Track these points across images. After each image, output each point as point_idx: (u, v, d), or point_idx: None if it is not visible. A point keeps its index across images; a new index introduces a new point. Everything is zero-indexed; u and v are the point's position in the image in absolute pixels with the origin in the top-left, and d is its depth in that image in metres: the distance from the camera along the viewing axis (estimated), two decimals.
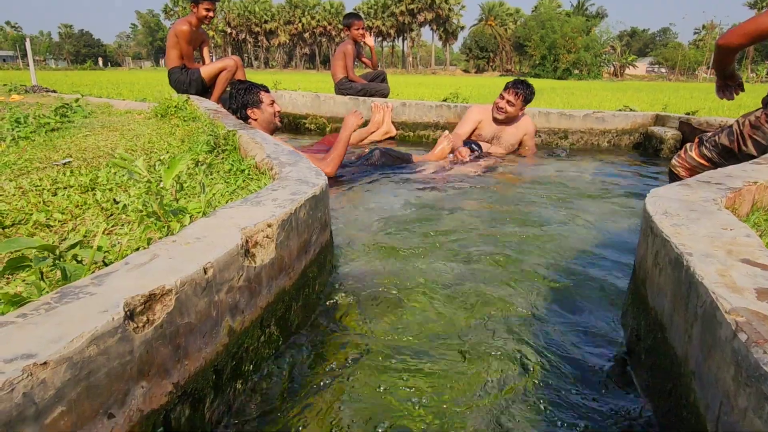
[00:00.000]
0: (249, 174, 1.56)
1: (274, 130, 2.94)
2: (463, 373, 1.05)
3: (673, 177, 2.38)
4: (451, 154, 3.36)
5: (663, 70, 60.84)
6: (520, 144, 3.79)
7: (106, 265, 0.80)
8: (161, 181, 1.15)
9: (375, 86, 5.03)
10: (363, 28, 4.94)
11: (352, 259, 1.66)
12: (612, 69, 48.96)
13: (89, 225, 1.04)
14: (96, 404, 0.59)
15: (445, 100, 5.13)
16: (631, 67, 51.66)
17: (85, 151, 1.85)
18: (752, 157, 1.96)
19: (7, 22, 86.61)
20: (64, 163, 1.64)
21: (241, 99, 2.84)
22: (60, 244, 0.91)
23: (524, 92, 3.58)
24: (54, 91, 5.42)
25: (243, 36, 68.74)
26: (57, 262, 0.73)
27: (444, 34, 61.95)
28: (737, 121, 2.11)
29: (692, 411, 0.72)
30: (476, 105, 3.91)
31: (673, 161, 2.42)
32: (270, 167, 1.53)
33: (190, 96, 3.69)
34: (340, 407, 0.94)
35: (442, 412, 0.94)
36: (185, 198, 1.23)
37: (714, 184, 1.26)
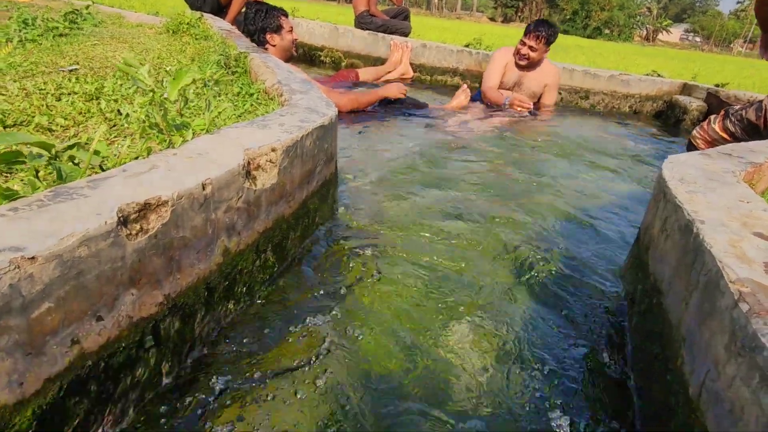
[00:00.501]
0: (258, 98, 1.51)
1: (288, 59, 2.83)
2: (449, 325, 1.06)
3: (691, 148, 2.32)
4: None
5: (698, 39, 58.19)
6: (542, 95, 3.57)
7: (103, 170, 0.78)
8: (166, 93, 1.12)
9: (396, 23, 4.82)
10: None
11: (356, 195, 1.64)
12: (644, 33, 46.75)
13: (91, 133, 1.01)
14: (84, 305, 0.59)
15: (467, 46, 4.92)
16: (664, 32, 49.27)
17: (92, 60, 1.79)
18: None
19: None
20: (71, 70, 1.59)
21: (261, 22, 2.71)
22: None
23: (546, 33, 3.29)
24: None
25: None
26: (53, 161, 0.71)
27: None
28: None
29: (677, 375, 0.73)
30: (499, 49, 3.64)
31: (694, 132, 2.36)
32: (280, 93, 1.48)
33: (204, 14, 3.54)
34: (332, 341, 0.96)
35: (432, 354, 0.95)
36: (190, 115, 1.19)
37: (735, 157, 1.22)
